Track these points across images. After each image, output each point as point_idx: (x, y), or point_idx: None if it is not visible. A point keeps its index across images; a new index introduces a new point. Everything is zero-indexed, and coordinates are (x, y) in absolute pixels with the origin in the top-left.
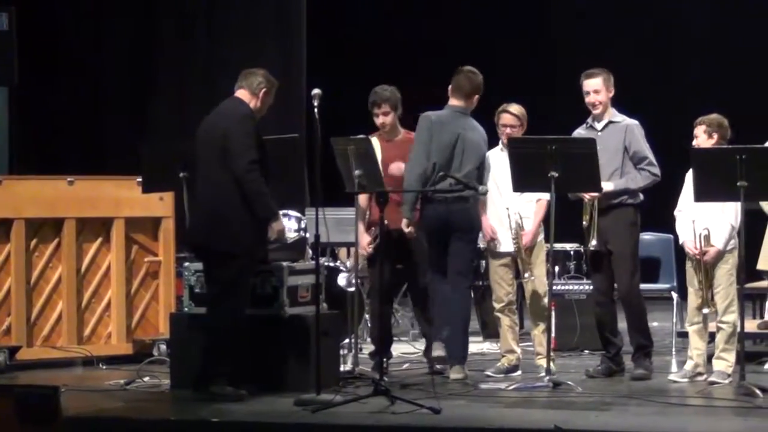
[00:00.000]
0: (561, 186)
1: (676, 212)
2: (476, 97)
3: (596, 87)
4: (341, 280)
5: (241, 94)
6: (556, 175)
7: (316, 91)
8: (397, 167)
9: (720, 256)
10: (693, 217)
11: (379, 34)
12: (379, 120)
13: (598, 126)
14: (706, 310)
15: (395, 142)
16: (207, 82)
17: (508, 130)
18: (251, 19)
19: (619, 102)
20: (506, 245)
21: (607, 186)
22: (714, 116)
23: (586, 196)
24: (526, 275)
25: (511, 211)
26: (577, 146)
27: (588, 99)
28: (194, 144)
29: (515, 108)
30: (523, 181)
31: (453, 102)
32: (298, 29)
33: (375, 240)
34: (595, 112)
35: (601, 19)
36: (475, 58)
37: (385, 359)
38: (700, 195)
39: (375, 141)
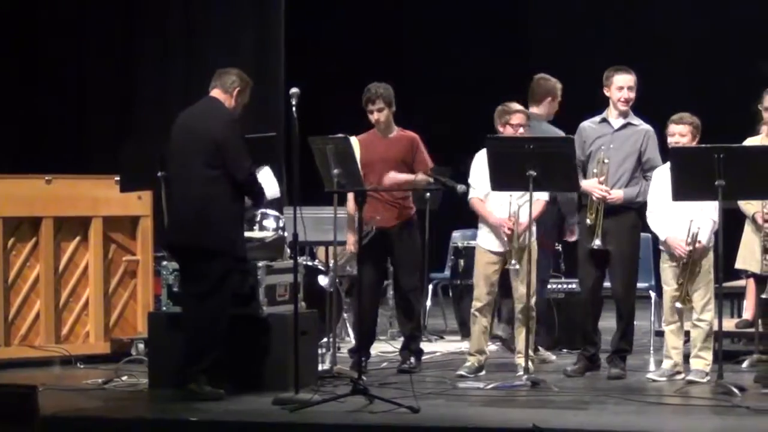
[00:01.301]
0: (539, 184)
1: (648, 213)
2: (548, 100)
3: (630, 83)
4: (322, 280)
5: (216, 93)
6: (534, 173)
7: (294, 90)
8: (390, 178)
9: (706, 252)
10: (669, 216)
11: (357, 34)
12: (373, 117)
13: (615, 124)
14: (679, 305)
15: (390, 139)
16: (187, 81)
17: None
18: (229, 20)
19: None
20: (497, 245)
21: (617, 194)
22: (693, 116)
23: (596, 195)
24: (513, 262)
25: (513, 199)
26: (555, 145)
27: (621, 95)
28: (171, 142)
29: (515, 106)
30: (501, 180)
31: (529, 108)
32: (276, 27)
33: (365, 237)
34: (623, 109)
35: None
36: (453, 57)
37: (363, 358)
38: (679, 194)
39: (354, 140)
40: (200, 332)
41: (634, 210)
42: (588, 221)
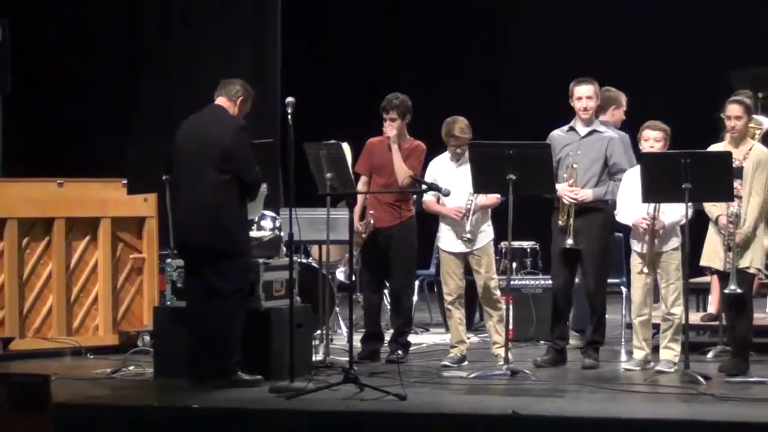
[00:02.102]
0: (518, 187)
1: (616, 213)
2: (612, 108)
3: (590, 93)
4: (339, 275)
5: (221, 101)
6: (514, 177)
7: (289, 99)
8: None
9: (666, 234)
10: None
11: (351, 45)
12: (386, 124)
13: (582, 132)
14: (646, 270)
15: (399, 147)
16: (189, 90)
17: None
18: (229, 34)
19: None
20: (457, 246)
21: (587, 193)
22: (664, 123)
23: (566, 199)
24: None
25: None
26: (533, 150)
27: (580, 104)
28: (178, 145)
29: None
30: (483, 183)
31: (599, 117)
32: (272, 41)
33: (366, 228)
34: (585, 117)
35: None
36: (444, 69)
37: (379, 347)
38: (649, 196)
39: (345, 146)
40: (227, 327)
41: (604, 210)
42: (560, 222)
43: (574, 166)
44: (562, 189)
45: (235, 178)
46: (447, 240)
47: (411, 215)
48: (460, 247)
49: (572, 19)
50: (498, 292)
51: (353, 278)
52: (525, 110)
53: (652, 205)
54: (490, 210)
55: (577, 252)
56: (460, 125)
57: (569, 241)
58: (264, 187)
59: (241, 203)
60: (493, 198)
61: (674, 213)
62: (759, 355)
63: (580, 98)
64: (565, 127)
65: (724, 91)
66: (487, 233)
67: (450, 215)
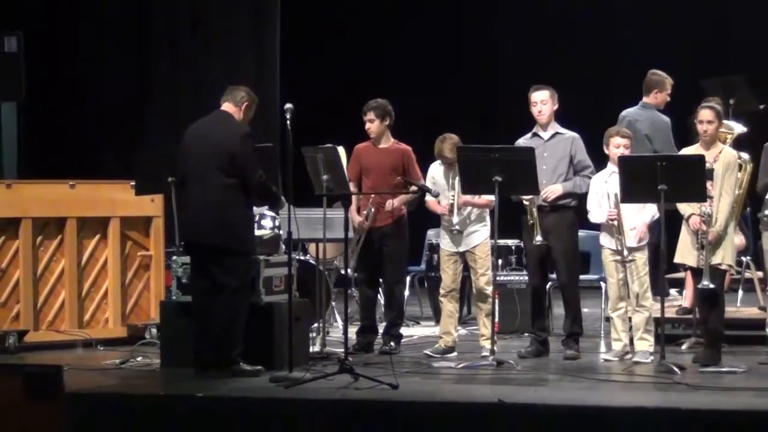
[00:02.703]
0: (504, 189)
1: (589, 216)
2: (655, 91)
3: (543, 98)
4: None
5: (227, 107)
6: (500, 179)
7: (288, 106)
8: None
9: (639, 232)
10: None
11: (346, 55)
12: (366, 126)
13: (545, 136)
14: (626, 254)
15: (383, 149)
16: (194, 95)
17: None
18: (231, 46)
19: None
20: (454, 246)
21: (556, 188)
22: (627, 130)
23: (525, 199)
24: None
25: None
26: (518, 154)
27: (535, 109)
28: (185, 148)
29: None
30: (470, 185)
31: (643, 98)
32: (272, 53)
33: (367, 218)
34: (541, 121)
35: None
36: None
37: (374, 339)
38: (626, 197)
39: (341, 150)
40: (232, 321)
41: (572, 209)
42: (530, 221)
43: (544, 167)
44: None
45: (241, 181)
46: (445, 240)
47: (403, 215)
48: (456, 247)
49: (551, 29)
50: (489, 289)
51: (349, 273)
52: (512, 117)
53: (613, 200)
54: (487, 211)
55: (548, 249)
56: (448, 145)
57: (538, 238)
58: (283, 199)
59: (246, 204)
60: (485, 199)
61: (646, 213)
62: (730, 346)
63: (535, 103)
64: (529, 135)
65: (696, 99)
66: (481, 233)
67: (437, 211)
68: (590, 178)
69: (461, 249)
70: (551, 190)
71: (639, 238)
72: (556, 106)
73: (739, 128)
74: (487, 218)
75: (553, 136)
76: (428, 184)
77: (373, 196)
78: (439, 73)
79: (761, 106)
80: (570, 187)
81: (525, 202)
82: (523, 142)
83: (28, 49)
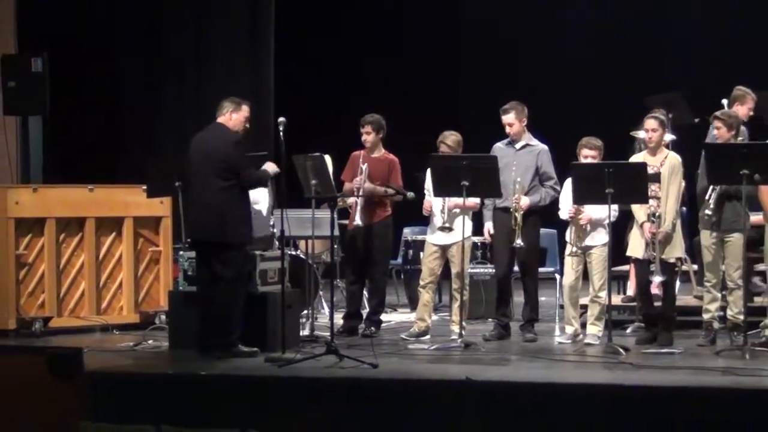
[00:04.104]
0: (470, 192)
1: (560, 213)
2: (737, 104)
3: (510, 121)
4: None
5: (220, 119)
6: (467, 183)
7: (281, 119)
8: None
9: (596, 232)
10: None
11: (334, 72)
12: (363, 137)
13: (517, 146)
14: (575, 249)
15: (375, 158)
16: (197, 110)
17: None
18: (230, 62)
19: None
20: (435, 238)
21: (525, 202)
22: (598, 140)
23: (513, 206)
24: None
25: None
26: (483, 162)
27: (507, 129)
28: (189, 158)
29: (450, 139)
30: (441, 188)
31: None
32: (267, 72)
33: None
34: (512, 137)
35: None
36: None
37: (358, 325)
38: (579, 199)
39: (327, 158)
40: (230, 308)
41: (537, 212)
42: (513, 226)
43: (518, 180)
44: (488, 227)
45: (236, 183)
46: (432, 235)
47: (387, 215)
48: (437, 239)
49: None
50: (466, 282)
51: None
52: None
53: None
54: (471, 212)
55: (512, 247)
56: (451, 138)
57: (518, 241)
58: (270, 171)
59: (242, 203)
60: (472, 202)
61: (600, 212)
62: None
63: (504, 124)
64: (505, 141)
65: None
66: (462, 231)
67: (427, 209)
68: (554, 189)
69: (441, 242)
70: (522, 205)
71: (596, 236)
72: (524, 122)
73: (668, 137)
74: (468, 222)
75: (524, 146)
76: (427, 188)
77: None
78: (416, 86)
79: (696, 120)
80: (536, 200)
81: (512, 209)
82: (499, 146)
83: (52, 69)
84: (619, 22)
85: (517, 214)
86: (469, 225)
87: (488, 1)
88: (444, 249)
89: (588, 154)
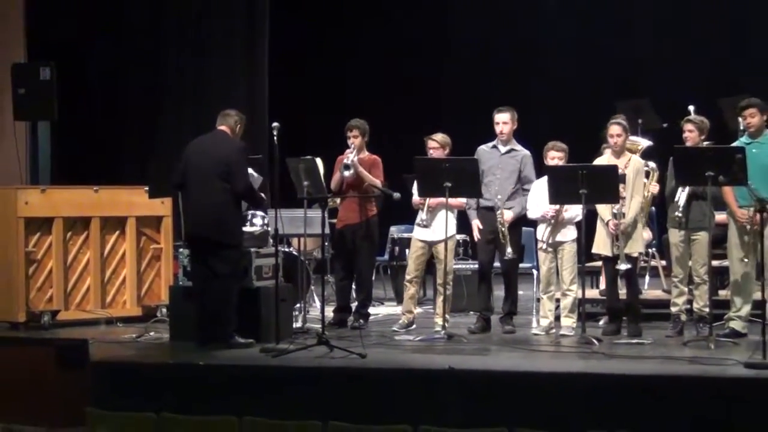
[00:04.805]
0: (453, 192)
1: (528, 213)
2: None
3: (505, 119)
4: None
5: (223, 127)
6: (449, 184)
7: (275, 124)
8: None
9: (566, 228)
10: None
11: (324, 80)
12: (349, 141)
13: (502, 149)
14: (550, 250)
15: (360, 158)
16: (196, 117)
17: (432, 152)
18: (227, 71)
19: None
20: (420, 234)
21: (509, 215)
22: (563, 144)
23: (498, 221)
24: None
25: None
26: (464, 164)
27: (498, 129)
28: (188, 161)
29: (438, 136)
30: (425, 189)
31: None
32: (262, 78)
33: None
34: (502, 138)
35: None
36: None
37: (347, 317)
38: (555, 199)
39: (318, 160)
40: (226, 302)
41: (518, 219)
42: (501, 240)
43: (498, 197)
44: (475, 225)
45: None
46: (418, 231)
47: (374, 214)
48: (422, 235)
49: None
50: (450, 277)
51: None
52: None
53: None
54: (456, 211)
55: (495, 243)
56: (440, 136)
57: (509, 250)
58: (265, 201)
59: (237, 205)
60: (457, 202)
61: (571, 212)
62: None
63: (497, 123)
64: (490, 144)
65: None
66: (448, 228)
67: (415, 204)
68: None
69: (426, 238)
70: (506, 219)
71: (566, 233)
72: (515, 126)
73: (645, 143)
74: (454, 220)
75: (508, 151)
76: (415, 188)
77: (350, 201)
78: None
79: (664, 125)
80: (518, 211)
81: (498, 224)
82: (483, 149)
83: (59, 77)
84: (594, 36)
85: (503, 229)
86: (453, 222)
87: (475, 12)
88: (430, 245)
89: (555, 156)
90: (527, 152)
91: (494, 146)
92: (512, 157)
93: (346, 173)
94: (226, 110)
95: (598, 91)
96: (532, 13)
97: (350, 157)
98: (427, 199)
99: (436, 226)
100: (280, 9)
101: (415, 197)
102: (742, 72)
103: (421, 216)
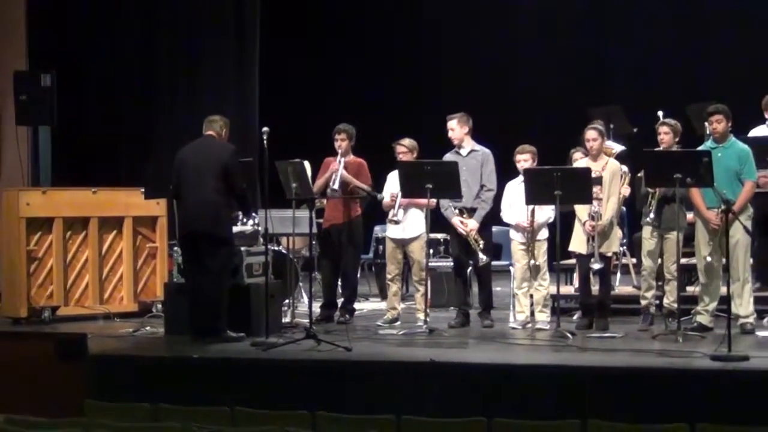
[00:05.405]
0: (434, 193)
1: (502, 215)
2: None
3: (452, 126)
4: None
5: (211, 133)
6: (431, 186)
7: (265, 129)
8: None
9: (539, 228)
10: (517, 213)
11: (311, 86)
12: (336, 144)
13: (463, 153)
14: (533, 262)
15: (346, 161)
16: (190, 121)
17: (400, 156)
18: (219, 79)
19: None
20: (393, 233)
21: (474, 225)
22: (531, 146)
23: (459, 230)
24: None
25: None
26: (445, 167)
27: (449, 134)
28: (183, 163)
29: (406, 141)
30: (409, 190)
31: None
32: (252, 84)
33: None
34: (454, 142)
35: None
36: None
37: (333, 313)
38: (531, 200)
39: (306, 163)
40: (217, 297)
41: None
42: (474, 247)
43: (464, 179)
44: (456, 222)
45: (227, 187)
46: (390, 230)
47: (358, 214)
48: (394, 234)
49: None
50: (423, 273)
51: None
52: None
53: (530, 208)
54: (424, 210)
55: (467, 242)
56: (407, 140)
57: (483, 257)
58: (252, 212)
59: (229, 204)
60: (423, 201)
61: (544, 214)
62: (611, 317)
63: (448, 129)
64: (453, 150)
65: (584, 123)
66: (419, 227)
67: (386, 206)
68: (485, 198)
69: (399, 236)
70: (471, 228)
71: (539, 233)
72: (465, 129)
73: (618, 147)
74: (423, 219)
75: (469, 152)
76: (393, 182)
77: (336, 202)
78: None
79: (634, 129)
80: (481, 217)
81: (465, 235)
82: (448, 155)
83: (59, 84)
84: (567, 46)
85: (475, 236)
86: (422, 221)
87: (454, 24)
88: (403, 244)
89: (521, 158)
90: (488, 151)
91: (455, 151)
92: (473, 158)
93: (330, 193)
94: (211, 116)
95: (572, 98)
96: (508, 26)
97: (336, 181)
98: (398, 198)
99: (407, 225)
100: (270, 21)
101: (386, 200)
102: (708, 80)
103: (393, 212)
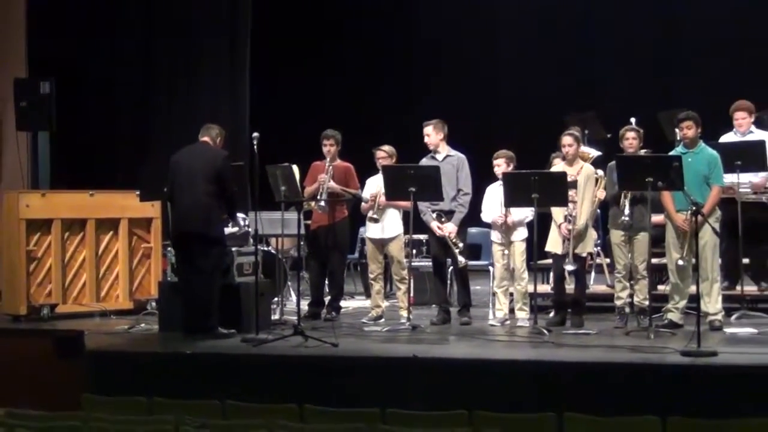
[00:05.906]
0: (417, 197)
1: (482, 215)
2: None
3: (428, 132)
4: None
5: (206, 139)
6: (414, 189)
7: (255, 134)
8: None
9: (515, 226)
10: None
11: (300, 93)
12: (325, 149)
13: (439, 158)
14: (506, 251)
15: (334, 165)
16: (185, 127)
17: (381, 161)
18: (213, 86)
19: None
20: (372, 233)
21: (452, 228)
22: (508, 151)
23: (438, 234)
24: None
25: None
26: (427, 171)
27: (425, 139)
28: (177, 166)
29: (386, 147)
30: (392, 193)
31: None
32: (243, 91)
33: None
34: (429, 147)
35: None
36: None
37: (321, 310)
38: (509, 202)
39: (294, 167)
40: (209, 295)
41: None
42: (454, 249)
43: (442, 217)
44: (434, 226)
45: (219, 190)
46: (369, 229)
47: (344, 216)
48: (373, 234)
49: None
50: (404, 273)
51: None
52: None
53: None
54: (401, 211)
55: (445, 242)
56: (386, 147)
57: (461, 259)
58: (238, 219)
59: (220, 206)
60: (404, 203)
61: (520, 214)
62: (585, 315)
63: (425, 135)
64: (429, 156)
65: (560, 129)
66: (396, 228)
67: (365, 210)
68: (462, 202)
69: (378, 236)
70: (450, 231)
71: (517, 233)
72: (440, 135)
73: (594, 152)
74: (401, 221)
75: (445, 157)
76: (372, 186)
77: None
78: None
79: (608, 135)
80: (458, 220)
81: (447, 236)
82: (424, 160)
83: (58, 91)
84: (543, 56)
85: (454, 239)
86: (400, 222)
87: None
88: (382, 244)
89: (496, 163)
90: (462, 156)
91: (432, 156)
92: (449, 162)
93: (318, 208)
94: (209, 124)
95: (552, 104)
96: (486, 35)
97: (323, 197)
98: (377, 199)
99: (386, 225)
100: (260, 27)
101: (364, 204)
102: (679, 88)
103: (372, 213)
